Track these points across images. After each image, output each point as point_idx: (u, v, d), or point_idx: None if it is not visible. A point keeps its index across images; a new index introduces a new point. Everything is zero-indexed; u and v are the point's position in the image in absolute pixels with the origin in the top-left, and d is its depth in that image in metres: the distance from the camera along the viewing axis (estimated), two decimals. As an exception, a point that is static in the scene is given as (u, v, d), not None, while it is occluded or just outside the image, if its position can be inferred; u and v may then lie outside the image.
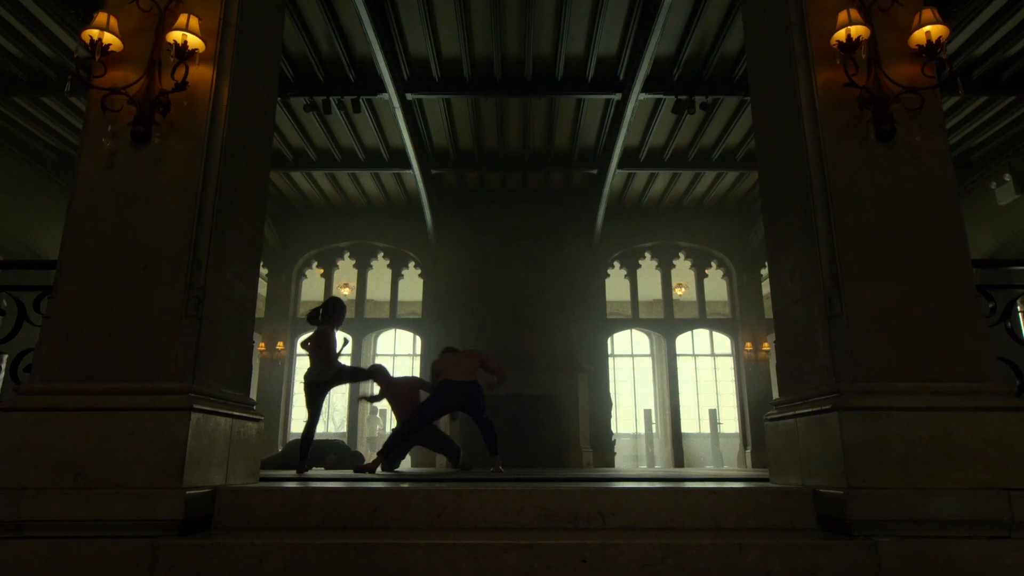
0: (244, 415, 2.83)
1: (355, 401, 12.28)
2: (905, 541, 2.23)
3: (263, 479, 3.48)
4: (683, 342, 13.24)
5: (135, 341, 2.48)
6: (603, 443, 11.08)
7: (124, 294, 2.52)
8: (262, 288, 13.76)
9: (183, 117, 2.72)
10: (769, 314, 13.76)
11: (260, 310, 14.22)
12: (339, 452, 7.84)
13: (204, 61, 2.79)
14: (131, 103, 2.68)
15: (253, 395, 3.15)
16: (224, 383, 2.72)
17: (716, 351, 17.09)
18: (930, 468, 2.31)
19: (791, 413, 2.77)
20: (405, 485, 2.70)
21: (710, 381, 17.41)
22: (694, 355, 17.06)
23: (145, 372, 2.45)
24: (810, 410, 2.61)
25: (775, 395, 2.97)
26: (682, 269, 12.98)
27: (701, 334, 16.62)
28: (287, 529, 2.43)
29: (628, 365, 17.52)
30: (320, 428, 17.39)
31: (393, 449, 5.19)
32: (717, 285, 13.19)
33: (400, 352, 17.82)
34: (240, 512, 2.47)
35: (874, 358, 2.46)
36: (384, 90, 8.24)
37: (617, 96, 8.61)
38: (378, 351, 17.65)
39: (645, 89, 8.26)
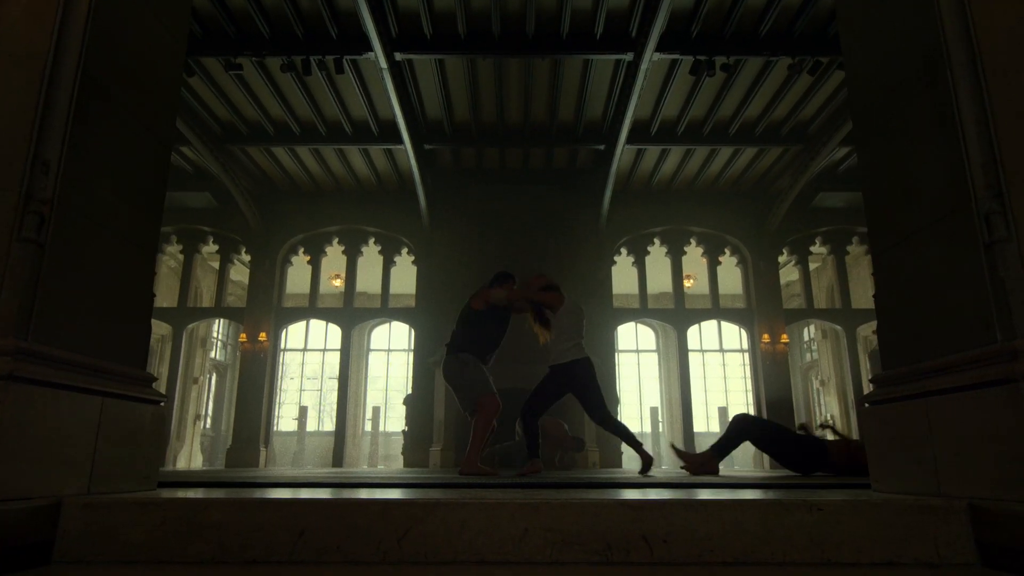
0: (128, 394, 1.98)
1: (343, 400, 11.45)
2: None
3: (169, 484, 2.63)
4: (691, 337, 12.39)
5: (-62, 276, 1.63)
6: (609, 441, 10.21)
7: (-73, 207, 1.67)
8: (243, 275, 12.84)
9: (31, -45, 1.87)
10: (788, 304, 12.94)
11: (241, 299, 13.31)
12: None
13: None
14: (-43, -64, 1.83)
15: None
16: (92, 345, 1.86)
17: (726, 345, 16.28)
18: None
19: (917, 391, 1.91)
20: (351, 495, 1.84)
21: (719, 377, 16.59)
22: (702, 350, 16.25)
23: (-51, 322, 1.60)
24: (954, 384, 1.75)
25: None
26: (693, 256, 12.11)
27: (709, 329, 15.82)
28: (168, 563, 1.58)
29: (633, 361, 16.70)
30: (311, 426, 16.26)
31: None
32: (729, 275, 12.32)
33: (395, 347, 16.95)
34: (99, 536, 1.61)
35: (1067, 303, 1.61)
36: (370, 48, 7.39)
37: (628, 56, 7.75)
38: (372, 346, 16.77)
39: (660, 48, 7.41)
